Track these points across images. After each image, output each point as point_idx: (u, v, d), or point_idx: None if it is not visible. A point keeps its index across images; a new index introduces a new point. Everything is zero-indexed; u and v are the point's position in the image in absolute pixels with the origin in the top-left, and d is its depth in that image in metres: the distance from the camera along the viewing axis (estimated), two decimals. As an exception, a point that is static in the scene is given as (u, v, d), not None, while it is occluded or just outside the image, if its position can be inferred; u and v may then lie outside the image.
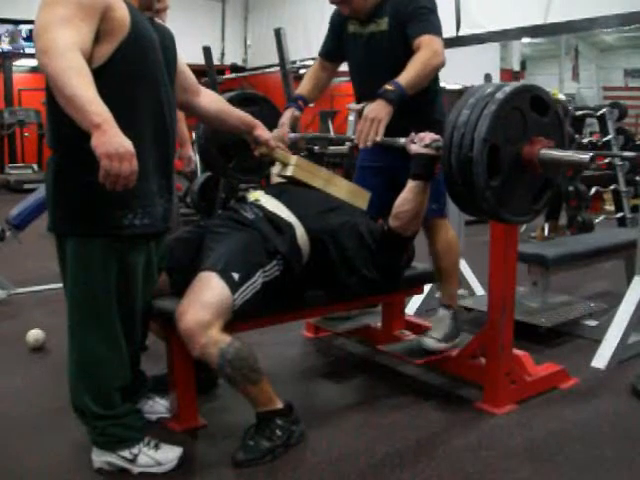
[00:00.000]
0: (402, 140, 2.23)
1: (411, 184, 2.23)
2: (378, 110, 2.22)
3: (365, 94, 2.41)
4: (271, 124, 2.55)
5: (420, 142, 2.16)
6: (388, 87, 2.23)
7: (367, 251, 2.26)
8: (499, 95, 1.88)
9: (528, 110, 1.95)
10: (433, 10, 2.39)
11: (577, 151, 1.97)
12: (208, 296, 1.95)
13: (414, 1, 2.36)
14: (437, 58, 2.30)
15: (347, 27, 2.57)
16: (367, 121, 2.23)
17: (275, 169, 2.50)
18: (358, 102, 2.58)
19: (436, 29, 2.36)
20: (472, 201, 1.94)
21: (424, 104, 2.49)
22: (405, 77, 2.24)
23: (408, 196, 2.23)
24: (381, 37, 2.44)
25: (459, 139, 1.88)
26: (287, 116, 2.59)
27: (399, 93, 2.22)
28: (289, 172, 2.41)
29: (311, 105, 2.83)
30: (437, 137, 2.12)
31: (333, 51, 2.71)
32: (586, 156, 1.89)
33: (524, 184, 2.00)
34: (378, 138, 2.23)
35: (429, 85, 2.42)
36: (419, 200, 2.22)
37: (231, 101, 2.61)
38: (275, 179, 2.59)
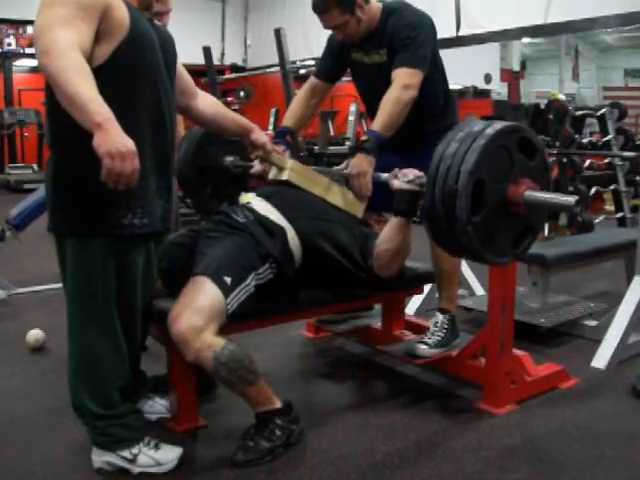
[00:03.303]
0: (385, 175, 2.27)
1: (393, 221, 2.22)
2: (359, 164, 2.35)
3: (374, 113, 2.44)
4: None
5: (403, 178, 2.16)
6: (363, 138, 2.39)
7: (357, 264, 2.27)
8: (489, 131, 1.87)
9: (516, 151, 1.93)
10: (417, 38, 2.38)
11: (562, 194, 1.95)
12: (200, 300, 1.94)
13: (403, 31, 2.39)
14: (407, 92, 2.33)
15: (350, 54, 2.59)
16: (354, 178, 2.37)
17: (271, 173, 2.50)
18: (367, 115, 2.73)
19: (414, 60, 2.36)
20: (453, 235, 1.90)
21: (434, 112, 2.52)
22: (378, 123, 2.34)
23: (390, 233, 2.22)
24: (384, 67, 2.46)
25: (445, 171, 1.86)
26: None
27: (374, 141, 2.34)
28: (285, 176, 2.41)
29: None
30: (421, 174, 2.11)
31: (330, 72, 2.72)
32: (571, 199, 1.87)
33: (506, 224, 1.97)
34: (368, 193, 2.38)
35: (436, 89, 2.45)
36: (401, 238, 2.21)
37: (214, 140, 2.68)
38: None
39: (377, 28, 2.47)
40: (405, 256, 2.29)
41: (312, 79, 2.74)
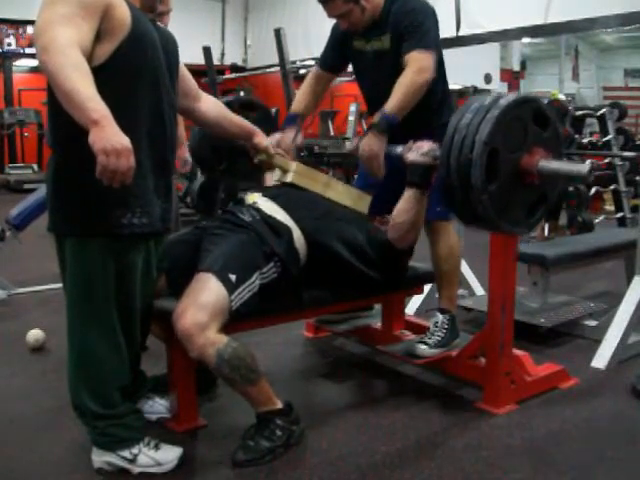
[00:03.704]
0: (399, 148, 2.27)
1: (407, 193, 2.24)
2: (371, 144, 2.33)
3: (374, 106, 2.45)
4: (267, 129, 2.56)
5: (417, 150, 2.17)
6: (375, 119, 2.35)
7: (366, 260, 2.28)
8: (503, 102, 1.90)
9: (529, 121, 1.95)
10: (424, 23, 2.38)
11: (576, 162, 1.98)
12: (205, 297, 1.94)
13: (408, 17, 2.39)
14: (422, 75, 2.31)
15: (352, 43, 2.58)
16: (365, 159, 2.36)
17: (275, 175, 2.51)
18: (368, 111, 2.71)
19: (425, 43, 2.35)
20: (468, 204, 1.92)
21: (430, 108, 2.51)
22: (391, 104, 2.31)
23: (405, 206, 2.25)
24: (386, 54, 2.46)
25: (460, 141, 1.89)
26: (289, 138, 2.59)
27: (387, 122, 2.31)
28: (289, 179, 2.42)
29: None
30: (434, 146, 2.12)
31: (333, 62, 2.73)
32: (584, 168, 1.89)
33: (520, 194, 1.99)
34: (380, 175, 2.38)
35: (433, 88, 2.44)
36: (415, 210, 2.23)
37: (229, 106, 2.60)
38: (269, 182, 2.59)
39: (381, 16, 2.46)
40: (419, 228, 2.32)
41: (315, 68, 2.76)
